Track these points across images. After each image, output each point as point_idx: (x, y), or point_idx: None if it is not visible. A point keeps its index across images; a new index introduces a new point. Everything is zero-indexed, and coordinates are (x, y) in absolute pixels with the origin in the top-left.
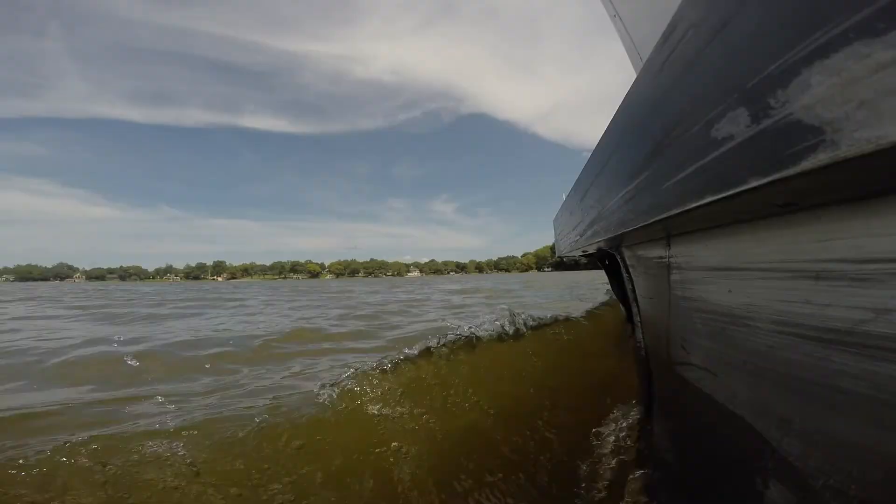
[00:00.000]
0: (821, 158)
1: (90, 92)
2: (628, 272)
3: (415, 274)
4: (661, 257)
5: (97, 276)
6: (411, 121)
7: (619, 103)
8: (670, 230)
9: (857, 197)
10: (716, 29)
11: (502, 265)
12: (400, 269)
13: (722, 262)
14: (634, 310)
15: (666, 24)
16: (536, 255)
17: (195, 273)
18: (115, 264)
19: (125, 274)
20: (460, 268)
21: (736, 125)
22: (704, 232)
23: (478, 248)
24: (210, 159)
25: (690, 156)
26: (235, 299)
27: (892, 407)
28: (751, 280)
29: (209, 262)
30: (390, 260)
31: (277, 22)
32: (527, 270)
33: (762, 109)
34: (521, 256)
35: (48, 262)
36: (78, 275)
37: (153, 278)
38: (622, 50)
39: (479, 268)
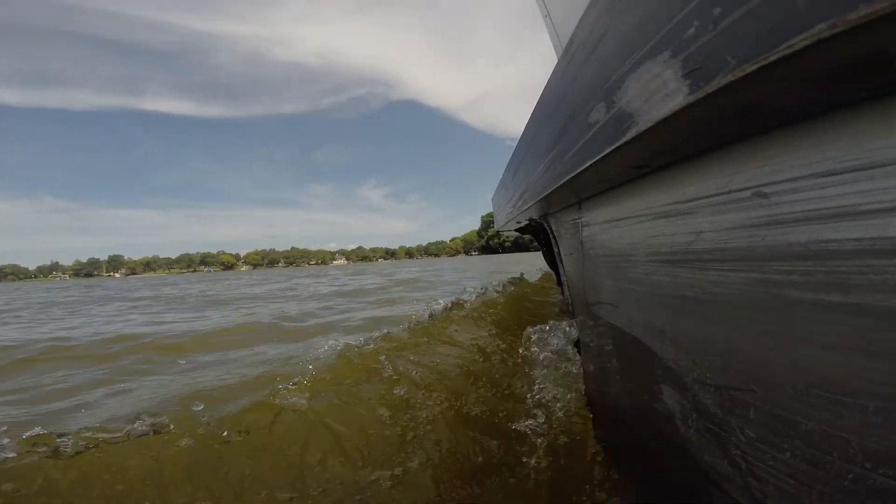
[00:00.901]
0: (633, 132)
1: None
2: (555, 238)
3: (341, 262)
4: (575, 219)
5: None
6: (337, 105)
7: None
8: (581, 195)
9: (677, 158)
10: (589, 50)
11: (432, 250)
12: (325, 258)
13: (613, 215)
14: (561, 271)
15: None
16: (464, 239)
17: (87, 269)
18: None
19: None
20: (390, 254)
21: (599, 113)
22: (601, 194)
23: (408, 234)
24: (106, 145)
25: (579, 134)
26: None
27: (713, 305)
28: (631, 225)
29: (104, 257)
30: (314, 248)
31: (189, 0)
32: (455, 255)
33: (610, 103)
34: (450, 241)
35: None
36: None
37: (35, 277)
38: (550, 46)
39: (410, 253)
